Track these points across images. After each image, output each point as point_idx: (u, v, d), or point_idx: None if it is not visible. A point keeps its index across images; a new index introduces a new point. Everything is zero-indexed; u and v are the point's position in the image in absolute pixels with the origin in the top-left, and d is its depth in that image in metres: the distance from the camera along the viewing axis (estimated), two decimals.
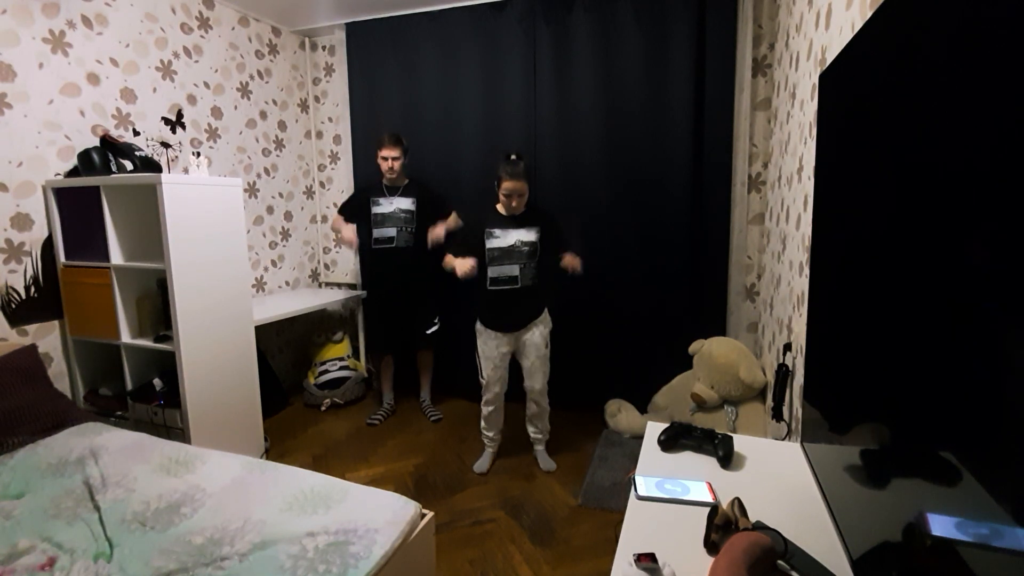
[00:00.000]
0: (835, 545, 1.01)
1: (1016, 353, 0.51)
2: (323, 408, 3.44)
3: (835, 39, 1.61)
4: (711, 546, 1.00)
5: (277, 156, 3.68)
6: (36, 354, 2.24)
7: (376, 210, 3.09)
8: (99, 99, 2.58)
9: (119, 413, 2.51)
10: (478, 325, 2.62)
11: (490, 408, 2.64)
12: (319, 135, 3.98)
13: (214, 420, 2.45)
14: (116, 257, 2.37)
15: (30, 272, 2.37)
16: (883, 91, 0.91)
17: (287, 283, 3.81)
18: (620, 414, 3.03)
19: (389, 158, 3.00)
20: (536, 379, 2.59)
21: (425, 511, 1.63)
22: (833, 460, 1.12)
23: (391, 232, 3.10)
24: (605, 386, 3.19)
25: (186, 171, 2.70)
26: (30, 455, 1.82)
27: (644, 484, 1.23)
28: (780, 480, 1.27)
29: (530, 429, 2.72)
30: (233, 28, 3.30)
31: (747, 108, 2.88)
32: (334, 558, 1.30)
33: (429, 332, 3.22)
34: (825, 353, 1.28)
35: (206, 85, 3.13)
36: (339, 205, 3.32)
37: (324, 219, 4.05)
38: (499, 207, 2.53)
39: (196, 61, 3.06)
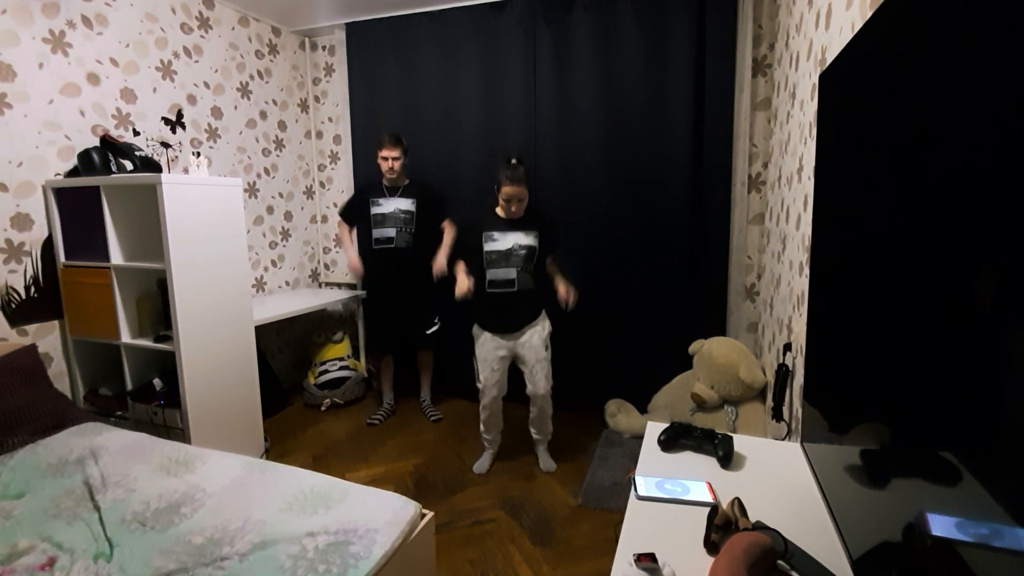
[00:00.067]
0: (835, 545, 1.01)
1: (1016, 353, 0.51)
2: (323, 408, 3.45)
3: (835, 39, 1.61)
4: (711, 546, 1.00)
5: (277, 156, 3.68)
6: (36, 354, 2.24)
7: (376, 210, 3.09)
8: (99, 99, 2.58)
9: (119, 413, 2.51)
10: (475, 328, 2.62)
11: (487, 413, 2.63)
12: (319, 135, 3.98)
13: (214, 420, 2.45)
14: (116, 257, 2.37)
15: (30, 272, 2.37)
16: (883, 91, 0.91)
17: (287, 283, 3.81)
18: (620, 414, 3.03)
19: (389, 158, 3.00)
20: (538, 383, 2.56)
21: (425, 511, 1.63)
22: (833, 460, 1.12)
23: (391, 232, 3.09)
24: (605, 386, 3.19)
25: (186, 171, 2.70)
26: (30, 455, 1.82)
27: (644, 484, 1.23)
28: (780, 480, 1.27)
29: (532, 430, 2.72)
30: (233, 28, 3.30)
31: (747, 108, 2.88)
32: (334, 558, 1.30)
33: (429, 332, 3.22)
34: (825, 353, 1.28)
35: (206, 85, 3.14)
36: (340, 209, 3.31)
37: (324, 219, 4.06)
38: (498, 210, 2.53)
39: (196, 61, 3.06)
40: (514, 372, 2.64)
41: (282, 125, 3.71)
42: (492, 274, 2.50)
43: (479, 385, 2.60)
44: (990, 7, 0.57)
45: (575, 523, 2.26)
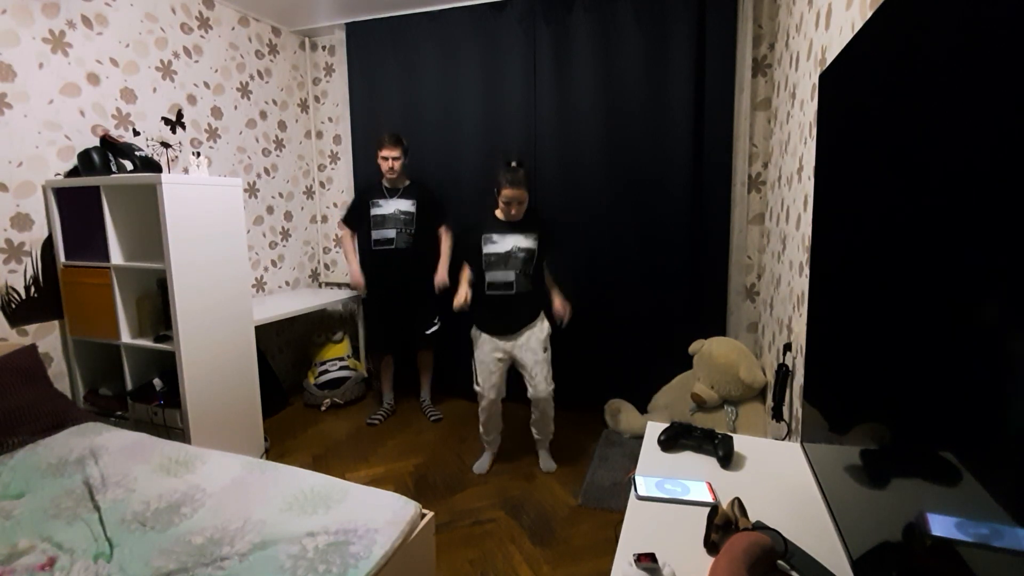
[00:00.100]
0: (835, 545, 1.01)
1: (1016, 353, 0.51)
2: (323, 408, 3.45)
3: (835, 39, 1.61)
4: (711, 546, 1.00)
5: (277, 156, 3.68)
6: (36, 354, 2.24)
7: (375, 211, 3.09)
8: (99, 99, 2.58)
9: (119, 413, 2.51)
10: (474, 330, 2.61)
11: (486, 415, 2.62)
12: (319, 135, 3.98)
13: (214, 420, 2.45)
14: (116, 257, 2.37)
15: (30, 272, 2.37)
16: (883, 91, 0.91)
17: (287, 283, 3.81)
18: (620, 414, 3.03)
19: (389, 158, 3.00)
20: (539, 385, 2.52)
21: (425, 511, 1.63)
22: (833, 460, 1.12)
23: (391, 234, 3.09)
24: (605, 386, 3.19)
25: (186, 171, 2.70)
26: (30, 455, 1.82)
27: (644, 484, 1.23)
28: (780, 480, 1.27)
29: (533, 430, 2.72)
30: (233, 28, 3.30)
31: (747, 108, 2.88)
32: (334, 558, 1.30)
33: (429, 332, 3.22)
34: (825, 353, 1.28)
35: (206, 85, 3.14)
36: (343, 215, 3.28)
37: (324, 219, 4.06)
38: (498, 213, 2.53)
39: (196, 61, 3.06)
40: (514, 374, 2.64)
41: (282, 125, 3.71)
42: (491, 276, 2.51)
43: (477, 388, 2.59)
44: (990, 7, 0.57)
45: (575, 523, 2.26)
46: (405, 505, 1.55)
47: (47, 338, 2.44)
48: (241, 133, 3.39)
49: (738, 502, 1.03)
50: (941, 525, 0.66)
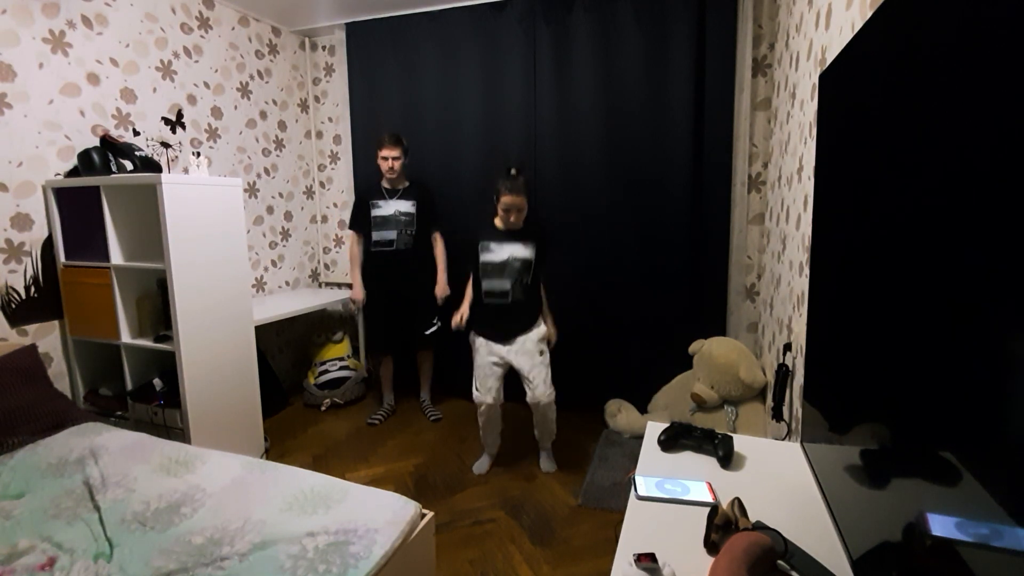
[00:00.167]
0: (835, 545, 1.01)
1: (1016, 353, 0.51)
2: (323, 408, 3.45)
3: (835, 39, 1.61)
4: (711, 546, 1.00)
5: (277, 156, 3.68)
6: (36, 354, 2.24)
7: (376, 213, 3.09)
8: (99, 99, 2.58)
9: (119, 413, 2.51)
10: (472, 335, 2.63)
11: (484, 419, 2.62)
12: (319, 135, 3.98)
13: (214, 420, 2.45)
14: (116, 257, 2.37)
15: (30, 272, 2.37)
16: (883, 91, 0.91)
17: (287, 283, 3.81)
18: (620, 414, 3.03)
19: (389, 158, 3.00)
20: (537, 389, 2.50)
21: (425, 511, 1.63)
22: (833, 460, 1.12)
23: (391, 235, 3.09)
24: (605, 386, 3.19)
25: (186, 171, 2.70)
26: (30, 455, 1.82)
27: (644, 484, 1.23)
28: (780, 480, 1.27)
29: (536, 432, 2.71)
30: (233, 28, 3.30)
31: (747, 108, 2.88)
32: (334, 558, 1.30)
33: (428, 333, 3.22)
34: (825, 353, 1.28)
35: (206, 85, 3.14)
36: (349, 222, 3.26)
37: (324, 219, 4.06)
38: (497, 220, 2.54)
39: (196, 61, 3.06)
40: (514, 377, 2.63)
41: (282, 125, 3.71)
42: (487, 285, 2.53)
43: (476, 395, 2.58)
44: (990, 7, 0.57)
45: (575, 523, 2.26)
46: (405, 505, 1.55)
47: (47, 338, 2.44)
48: (241, 133, 3.39)
49: (738, 502, 1.03)
50: (941, 525, 0.66)
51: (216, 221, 2.44)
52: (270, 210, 3.64)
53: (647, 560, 0.96)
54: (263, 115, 3.55)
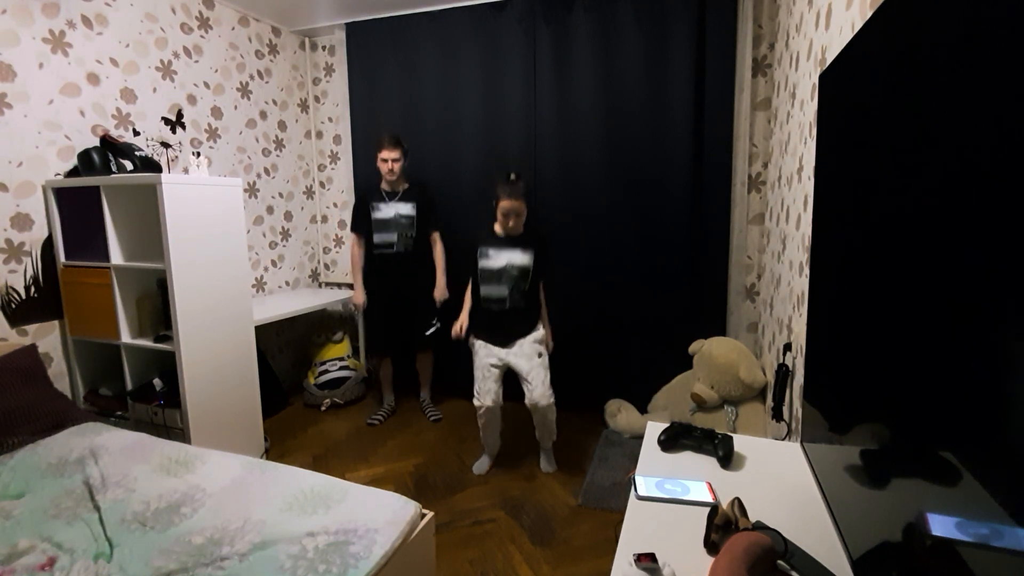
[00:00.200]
0: (835, 545, 1.01)
1: (1016, 353, 0.51)
2: (323, 408, 3.45)
3: (835, 39, 1.61)
4: (711, 546, 1.00)
5: (277, 156, 3.68)
6: (36, 354, 2.24)
7: (376, 215, 3.09)
8: (99, 99, 2.58)
9: (119, 413, 2.51)
10: (471, 339, 2.64)
11: (483, 421, 2.62)
12: (319, 135, 3.98)
13: (214, 420, 2.45)
14: (116, 257, 2.37)
15: (30, 272, 2.37)
16: (883, 91, 0.91)
17: (287, 283, 3.81)
18: (620, 414, 3.03)
19: (389, 159, 2.99)
20: (535, 390, 2.48)
21: (425, 511, 1.63)
22: (833, 460, 1.12)
23: (392, 238, 3.09)
24: (605, 386, 3.19)
25: (186, 171, 2.70)
26: (30, 455, 1.82)
27: (644, 484, 1.23)
28: (780, 480, 1.27)
29: (536, 433, 2.70)
30: (233, 28, 3.30)
31: (747, 108, 2.88)
32: (334, 558, 1.30)
33: (428, 333, 3.22)
34: (825, 353, 1.28)
35: (206, 85, 3.14)
36: (350, 224, 3.25)
37: (324, 219, 4.06)
38: (496, 227, 2.54)
39: (196, 61, 3.06)
40: (514, 377, 2.63)
41: (282, 125, 3.71)
42: (485, 291, 2.55)
43: (476, 401, 2.57)
44: (990, 7, 0.57)
45: (575, 523, 2.26)
46: (405, 505, 1.55)
47: (47, 338, 2.44)
48: (241, 133, 3.39)
49: (738, 502, 1.03)
50: (941, 525, 0.66)
51: (216, 221, 2.44)
52: (270, 210, 3.64)
53: (647, 560, 0.96)
54: (263, 115, 3.55)
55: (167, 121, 2.80)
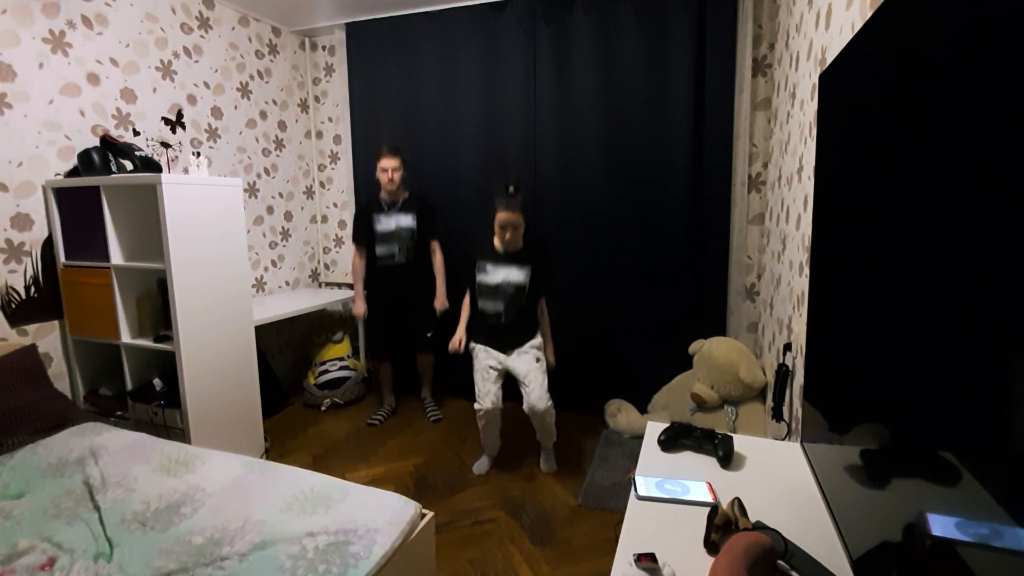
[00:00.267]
0: (835, 545, 1.01)
1: (1016, 353, 0.51)
2: (323, 408, 3.44)
3: (835, 39, 1.61)
4: (711, 546, 1.00)
5: (277, 156, 3.68)
6: (36, 354, 2.24)
7: (378, 228, 3.09)
8: (99, 99, 2.58)
9: (119, 413, 2.51)
10: (471, 344, 2.66)
11: (483, 422, 2.61)
12: (319, 135, 3.98)
13: (214, 420, 2.45)
14: (116, 257, 2.37)
15: (30, 272, 2.37)
16: (883, 91, 0.91)
17: (287, 283, 3.81)
18: (620, 414, 3.03)
19: (389, 169, 2.98)
20: (533, 393, 2.48)
21: (425, 511, 1.63)
22: (833, 460, 1.12)
23: (394, 249, 3.10)
24: (605, 386, 3.19)
25: (186, 171, 2.70)
26: (30, 455, 1.82)
27: (644, 484, 1.23)
28: (780, 480, 1.27)
29: (537, 435, 2.70)
30: (233, 28, 3.30)
31: (747, 108, 2.88)
32: (334, 558, 1.30)
33: (429, 335, 3.21)
34: (825, 353, 1.28)
35: (206, 85, 3.14)
36: (352, 235, 3.24)
37: (324, 219, 4.06)
38: (495, 240, 2.56)
39: (196, 61, 3.06)
40: (513, 380, 2.64)
41: (282, 125, 3.71)
42: (482, 304, 2.60)
43: (476, 406, 2.57)
44: (990, 7, 0.57)
45: (575, 523, 2.26)
46: (405, 505, 1.55)
47: (47, 338, 2.44)
48: (241, 133, 3.39)
49: (738, 502, 1.03)
50: (941, 525, 0.66)
51: (216, 221, 2.44)
52: (270, 210, 3.64)
53: (647, 560, 0.96)
54: (263, 115, 3.55)
55: (167, 121, 2.80)
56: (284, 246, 3.77)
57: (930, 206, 0.71)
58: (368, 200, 3.21)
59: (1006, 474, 0.54)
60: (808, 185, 1.88)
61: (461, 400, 3.47)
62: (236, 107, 3.34)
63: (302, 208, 3.92)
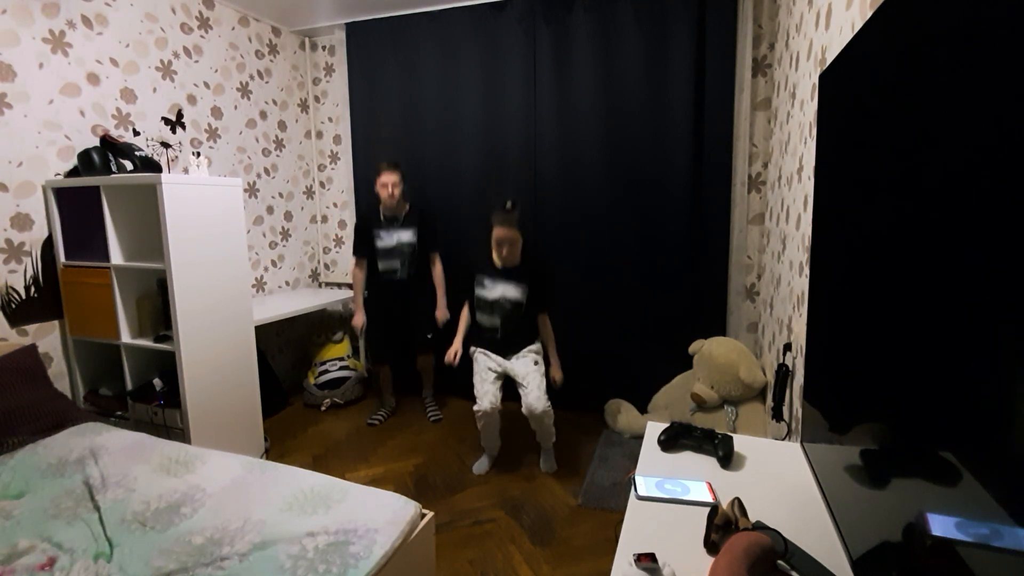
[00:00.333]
0: (835, 545, 1.01)
1: (1016, 353, 0.51)
2: (323, 408, 3.44)
3: (835, 39, 1.61)
4: (711, 546, 1.00)
5: (277, 156, 3.68)
6: (36, 354, 2.24)
7: (380, 244, 3.08)
8: (99, 99, 2.58)
9: (119, 413, 2.51)
10: (471, 349, 2.69)
11: (483, 423, 2.62)
12: (319, 135, 3.98)
13: (214, 420, 2.45)
14: (116, 257, 2.37)
15: (30, 272, 2.37)
16: (883, 91, 0.91)
17: (287, 283, 3.81)
18: (620, 414, 3.03)
19: (389, 184, 2.98)
20: (531, 394, 2.48)
21: (425, 511, 1.63)
22: (833, 460, 1.12)
23: (395, 265, 3.10)
24: (605, 386, 3.19)
25: (186, 171, 2.70)
26: (30, 455, 1.82)
27: (644, 484, 1.23)
28: (780, 480, 1.27)
29: (536, 436, 2.70)
30: (233, 28, 3.30)
31: (747, 108, 2.88)
32: (334, 558, 1.30)
33: (430, 336, 3.21)
34: (825, 353, 1.28)
35: (206, 85, 3.13)
36: (353, 248, 3.21)
37: (324, 219, 4.06)
38: (494, 255, 2.57)
39: (196, 61, 3.06)
40: (512, 381, 2.64)
41: (282, 125, 3.71)
42: (479, 318, 2.64)
43: (476, 408, 2.57)
44: (990, 7, 0.57)
45: (575, 523, 2.26)
46: (405, 505, 1.55)
47: (47, 338, 2.44)
48: (241, 133, 3.39)
49: (738, 502, 1.03)
50: (941, 525, 0.66)
51: (216, 221, 2.44)
52: (270, 210, 3.64)
53: (647, 560, 0.96)
54: (263, 115, 3.55)
55: (167, 121, 2.79)
56: (284, 246, 3.77)
57: (930, 206, 0.71)
58: (368, 212, 3.20)
59: (1006, 474, 0.54)
60: (808, 185, 1.88)
61: (462, 400, 3.47)
62: (236, 107, 3.34)
63: (302, 208, 3.92)
